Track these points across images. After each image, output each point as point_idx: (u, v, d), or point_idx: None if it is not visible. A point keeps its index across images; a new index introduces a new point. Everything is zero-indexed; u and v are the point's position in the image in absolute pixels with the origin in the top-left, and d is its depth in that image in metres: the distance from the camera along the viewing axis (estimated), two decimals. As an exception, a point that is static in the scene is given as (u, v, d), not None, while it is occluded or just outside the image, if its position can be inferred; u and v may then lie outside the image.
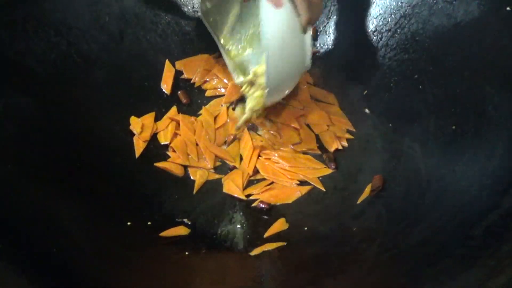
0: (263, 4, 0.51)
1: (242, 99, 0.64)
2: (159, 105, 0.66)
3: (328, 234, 0.53)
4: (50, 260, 0.42)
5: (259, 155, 0.62)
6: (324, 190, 0.59)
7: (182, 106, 0.67)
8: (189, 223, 0.55)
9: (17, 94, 0.53)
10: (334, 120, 0.65)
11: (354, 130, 0.65)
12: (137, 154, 0.60)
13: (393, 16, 0.65)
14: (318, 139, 0.64)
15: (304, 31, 0.52)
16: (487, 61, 0.52)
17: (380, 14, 0.67)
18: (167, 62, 0.69)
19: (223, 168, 0.62)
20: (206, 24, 0.67)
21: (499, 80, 0.50)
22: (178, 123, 0.64)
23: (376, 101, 0.65)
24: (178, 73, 0.69)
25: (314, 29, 0.73)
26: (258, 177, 0.61)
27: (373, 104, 0.65)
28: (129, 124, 0.62)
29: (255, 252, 0.51)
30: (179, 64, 0.69)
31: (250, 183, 0.60)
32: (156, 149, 0.62)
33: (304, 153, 0.63)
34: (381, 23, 0.66)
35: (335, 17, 0.72)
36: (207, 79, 0.70)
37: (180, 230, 0.54)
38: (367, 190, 0.56)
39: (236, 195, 0.58)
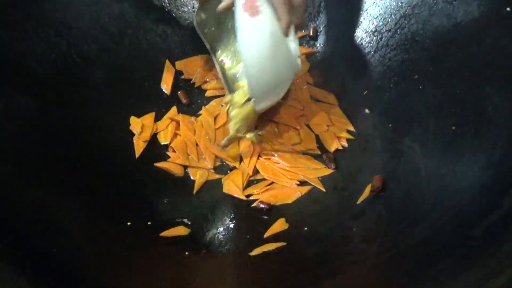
0: (238, 14, 0.50)
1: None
2: (159, 105, 0.66)
3: (328, 234, 0.53)
4: (50, 260, 0.42)
5: (259, 155, 0.62)
6: (324, 190, 0.59)
7: (182, 106, 0.67)
8: (189, 223, 0.55)
9: (17, 94, 0.53)
10: (334, 120, 0.65)
11: (354, 130, 0.65)
12: (137, 154, 0.60)
13: (393, 16, 0.65)
14: (318, 139, 0.64)
15: (285, 34, 0.51)
16: (487, 61, 0.52)
17: (380, 14, 0.67)
18: (167, 62, 0.69)
19: (223, 168, 0.62)
20: (201, 35, 0.67)
21: (499, 80, 0.50)
22: (178, 123, 0.64)
23: (376, 101, 0.65)
24: (178, 73, 0.69)
25: (314, 29, 0.73)
26: (258, 177, 0.61)
27: (373, 104, 0.65)
28: (129, 124, 0.62)
29: (255, 252, 0.51)
30: (179, 64, 0.69)
31: (250, 183, 0.60)
32: (156, 149, 0.62)
33: (304, 153, 0.63)
34: (381, 23, 0.67)
35: (335, 17, 0.72)
36: (207, 79, 0.70)
37: (180, 230, 0.54)
38: (367, 190, 0.56)
39: (236, 195, 0.58)
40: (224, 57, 0.67)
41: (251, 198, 0.59)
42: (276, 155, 0.62)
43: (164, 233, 0.53)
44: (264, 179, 0.61)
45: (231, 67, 0.66)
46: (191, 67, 0.70)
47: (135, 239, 0.51)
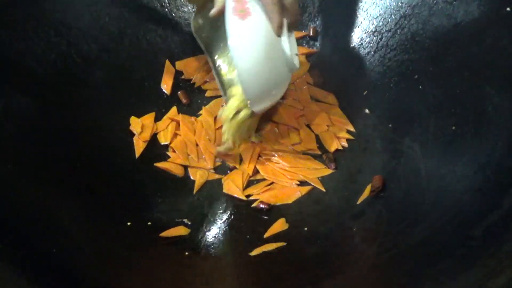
0: (228, 18, 0.49)
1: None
2: (159, 105, 0.66)
3: (328, 234, 0.53)
4: (50, 260, 0.42)
5: (259, 156, 0.62)
6: (324, 190, 0.59)
7: (182, 106, 0.67)
8: (189, 223, 0.55)
9: (17, 94, 0.53)
10: (334, 121, 0.65)
11: (354, 130, 0.64)
12: (137, 154, 0.60)
13: (393, 16, 0.65)
14: (318, 139, 0.64)
15: (278, 34, 0.50)
16: (487, 61, 0.52)
17: (380, 14, 0.67)
18: (167, 62, 0.69)
19: (223, 168, 0.62)
20: (198, 40, 0.66)
21: (499, 80, 0.50)
22: (178, 123, 0.64)
23: (376, 101, 0.65)
24: (178, 73, 0.69)
25: (314, 29, 0.73)
26: (258, 177, 0.61)
27: (373, 104, 0.65)
28: (129, 124, 0.62)
29: (255, 252, 0.51)
30: (179, 64, 0.69)
31: (250, 183, 0.60)
32: (156, 149, 0.62)
33: (304, 153, 0.63)
34: (381, 23, 0.66)
35: (335, 17, 0.72)
36: (207, 79, 0.70)
37: (180, 230, 0.54)
38: (367, 190, 0.56)
39: (236, 195, 0.58)
40: (221, 62, 0.66)
41: (251, 198, 0.58)
42: (276, 155, 0.62)
43: (164, 233, 0.53)
44: (264, 179, 0.61)
45: (227, 72, 0.65)
46: (191, 67, 0.70)
47: (135, 239, 0.51)
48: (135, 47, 0.67)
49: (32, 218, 0.46)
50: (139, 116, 0.63)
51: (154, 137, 0.63)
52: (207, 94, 0.69)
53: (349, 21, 0.70)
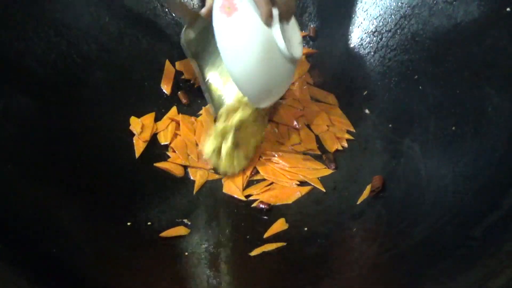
0: (214, 17, 0.48)
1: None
2: (159, 105, 0.66)
3: (328, 234, 0.53)
4: (50, 260, 0.42)
5: (259, 156, 0.62)
6: (324, 190, 0.59)
7: (182, 107, 0.67)
8: (189, 223, 0.55)
9: (17, 94, 0.53)
10: (334, 121, 0.65)
11: (354, 130, 0.65)
12: (137, 154, 0.60)
13: (393, 16, 0.65)
14: (318, 139, 0.64)
15: (267, 24, 0.48)
16: (487, 61, 0.52)
17: (380, 14, 0.67)
18: (167, 62, 0.69)
19: (223, 168, 0.62)
20: (189, 54, 0.64)
21: (499, 80, 0.50)
22: (178, 124, 0.64)
23: (376, 101, 0.65)
24: (178, 74, 0.69)
25: (314, 29, 0.73)
26: (258, 177, 0.61)
27: (373, 104, 0.65)
28: (129, 124, 0.62)
29: (255, 252, 0.51)
30: (179, 65, 0.69)
31: (250, 183, 0.60)
32: (156, 149, 0.62)
33: (304, 153, 0.63)
34: (381, 23, 0.66)
35: (335, 17, 0.72)
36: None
37: (180, 230, 0.54)
38: (367, 190, 0.56)
39: (235, 196, 0.58)
40: (211, 77, 0.65)
41: (251, 198, 0.59)
42: (276, 155, 0.62)
43: (164, 233, 0.53)
44: (264, 179, 0.61)
45: (218, 88, 0.64)
46: (191, 67, 0.70)
47: (135, 239, 0.51)
48: (135, 47, 0.67)
49: (32, 218, 0.46)
50: (139, 116, 0.63)
51: (154, 137, 0.63)
52: (207, 94, 0.69)
53: (349, 21, 0.70)
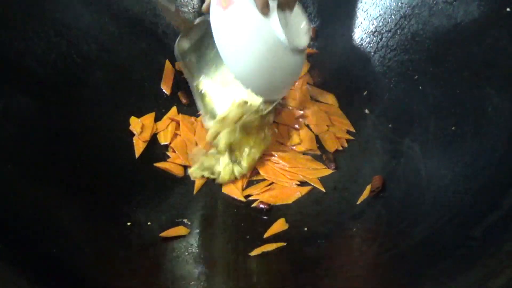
0: (212, 11, 0.48)
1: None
2: (159, 105, 0.66)
3: (328, 234, 0.53)
4: (50, 260, 0.42)
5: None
6: (324, 190, 0.59)
7: (182, 107, 0.67)
8: (189, 223, 0.55)
9: (17, 94, 0.53)
10: (334, 121, 0.65)
11: (354, 130, 0.65)
12: (137, 154, 0.60)
13: (393, 17, 0.65)
14: (318, 139, 0.64)
15: (263, 14, 0.47)
16: (487, 61, 0.52)
17: (380, 14, 0.67)
18: (167, 62, 0.69)
19: (223, 168, 0.62)
20: (182, 64, 0.64)
21: (499, 80, 0.50)
22: (178, 124, 0.64)
23: (376, 102, 0.65)
24: (178, 74, 0.69)
25: (314, 29, 0.73)
26: (258, 177, 0.61)
27: (373, 105, 0.65)
28: (129, 124, 0.62)
29: (255, 252, 0.51)
30: (179, 65, 0.69)
31: (250, 183, 0.60)
32: (156, 149, 0.62)
33: (304, 153, 0.63)
34: (381, 23, 0.67)
35: (335, 17, 0.72)
36: (207, 80, 0.70)
37: (180, 230, 0.54)
38: (367, 190, 0.56)
39: (235, 197, 0.58)
40: (204, 88, 0.64)
41: (251, 198, 0.58)
42: (276, 155, 0.62)
43: (164, 233, 0.53)
44: (264, 179, 0.61)
45: (211, 99, 0.63)
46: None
47: (135, 239, 0.51)
48: (135, 47, 0.67)
49: (32, 218, 0.46)
50: (139, 116, 0.63)
51: (154, 137, 0.63)
52: (207, 94, 0.69)
53: (349, 21, 0.70)
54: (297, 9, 0.52)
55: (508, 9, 0.51)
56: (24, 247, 0.42)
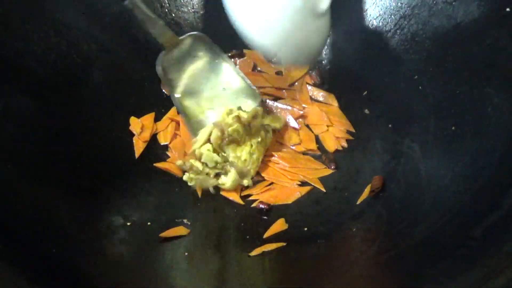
0: None
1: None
2: (159, 105, 0.66)
3: (328, 234, 0.53)
4: (50, 260, 0.42)
5: (259, 156, 0.62)
6: (324, 190, 0.59)
7: (182, 107, 0.67)
8: (189, 223, 0.55)
9: (17, 94, 0.53)
10: (333, 121, 0.65)
11: (353, 130, 0.64)
12: (137, 154, 0.60)
13: (392, 17, 0.65)
14: (318, 139, 0.64)
15: None
16: (487, 61, 0.52)
17: (379, 15, 0.67)
18: (167, 62, 0.69)
19: (223, 168, 0.62)
20: (164, 80, 0.63)
21: (499, 80, 0.50)
22: (178, 124, 0.64)
23: (376, 102, 0.65)
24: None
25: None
26: (258, 177, 0.61)
27: (373, 105, 0.65)
28: (129, 124, 0.62)
29: (255, 252, 0.51)
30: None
31: (250, 183, 0.60)
32: (156, 149, 0.62)
33: (304, 153, 0.63)
34: (380, 24, 0.66)
35: (334, 18, 0.72)
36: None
37: (180, 230, 0.54)
38: (367, 190, 0.56)
39: (233, 199, 0.58)
40: (188, 104, 0.63)
41: (251, 198, 0.58)
42: (276, 155, 0.62)
43: (164, 233, 0.52)
44: (264, 180, 0.61)
45: (197, 113, 0.63)
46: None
47: (135, 239, 0.51)
48: (135, 48, 0.67)
49: (32, 218, 0.46)
50: (139, 116, 0.63)
51: (154, 137, 0.63)
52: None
53: (349, 21, 0.70)
54: None
55: (508, 9, 0.51)
56: (24, 247, 0.42)
